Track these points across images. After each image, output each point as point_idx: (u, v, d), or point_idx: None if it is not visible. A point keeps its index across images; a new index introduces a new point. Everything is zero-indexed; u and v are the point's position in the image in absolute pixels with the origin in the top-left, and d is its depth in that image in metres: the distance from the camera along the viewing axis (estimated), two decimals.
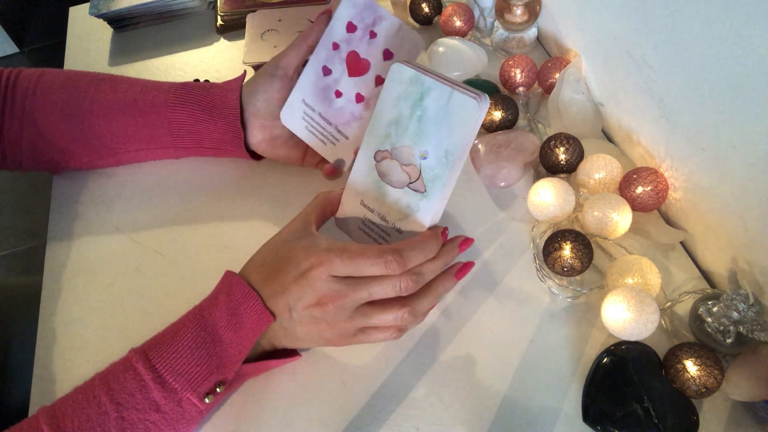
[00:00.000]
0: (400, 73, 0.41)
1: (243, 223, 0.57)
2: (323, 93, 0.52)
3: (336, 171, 0.54)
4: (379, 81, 0.49)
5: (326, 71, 0.51)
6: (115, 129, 0.55)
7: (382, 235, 0.45)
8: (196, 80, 0.58)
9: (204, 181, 0.60)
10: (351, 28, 0.49)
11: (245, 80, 0.55)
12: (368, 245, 0.40)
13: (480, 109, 0.38)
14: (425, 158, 0.41)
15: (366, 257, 0.39)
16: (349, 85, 0.50)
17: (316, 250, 0.40)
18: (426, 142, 0.41)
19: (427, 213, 0.42)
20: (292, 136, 0.55)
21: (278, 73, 0.52)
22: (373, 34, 0.48)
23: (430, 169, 0.41)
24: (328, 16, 0.50)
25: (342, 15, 0.49)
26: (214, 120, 0.54)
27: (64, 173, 0.62)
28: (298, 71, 0.53)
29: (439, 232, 0.42)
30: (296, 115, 0.53)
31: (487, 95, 0.39)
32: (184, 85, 0.55)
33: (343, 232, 0.48)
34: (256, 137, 0.55)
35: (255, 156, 0.58)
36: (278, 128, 0.55)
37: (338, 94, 0.51)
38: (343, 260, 0.39)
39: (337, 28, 0.50)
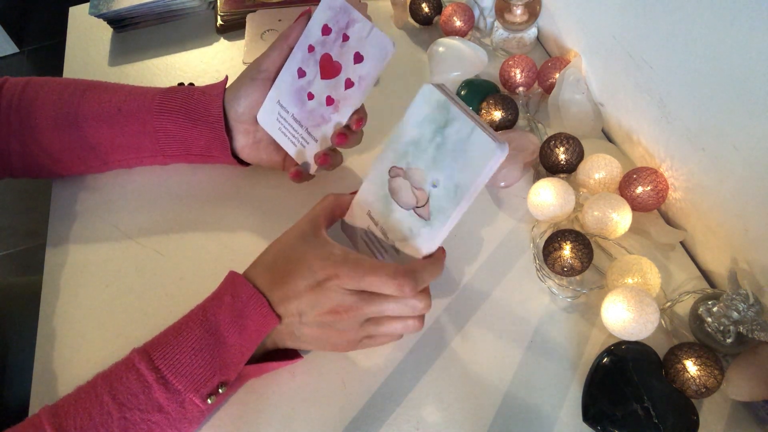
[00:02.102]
0: (429, 95, 0.40)
1: (243, 223, 0.57)
2: (297, 95, 0.52)
3: (301, 174, 0.54)
4: (349, 84, 0.49)
5: (301, 73, 0.51)
6: (103, 139, 0.55)
7: (380, 250, 0.45)
8: (181, 84, 0.58)
9: (203, 181, 0.60)
10: (326, 30, 0.49)
11: (228, 84, 0.55)
12: (382, 262, 0.41)
13: (496, 155, 0.37)
14: (435, 186, 0.40)
15: (379, 277, 0.39)
16: (321, 88, 0.50)
17: (333, 261, 0.40)
18: (439, 171, 0.40)
19: (425, 241, 0.42)
20: (273, 140, 0.55)
21: (260, 77, 0.52)
22: (345, 37, 0.48)
23: (438, 200, 0.40)
24: (307, 17, 0.50)
25: (319, 17, 0.49)
26: (199, 128, 0.54)
27: None
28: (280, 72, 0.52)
29: (442, 253, 0.43)
30: (271, 117, 0.53)
31: (507, 144, 0.38)
32: (167, 92, 0.54)
33: (347, 237, 0.47)
34: (240, 142, 0.55)
35: (243, 162, 0.58)
36: (260, 132, 0.55)
37: (310, 97, 0.51)
38: (356, 278, 0.39)
39: (313, 31, 0.50)
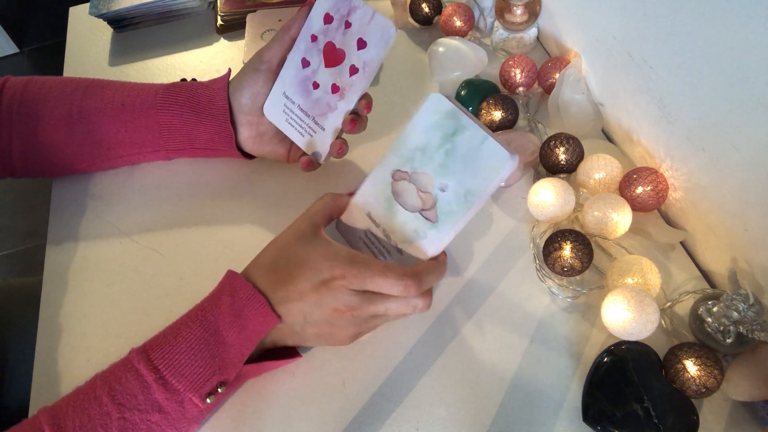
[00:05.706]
0: (437, 104, 0.41)
1: (243, 222, 0.57)
2: (302, 85, 0.52)
3: (312, 163, 0.54)
4: (354, 70, 0.49)
5: (305, 63, 0.51)
6: (106, 135, 0.55)
7: (382, 251, 0.45)
8: (183, 80, 0.58)
9: (204, 180, 0.60)
10: (328, 19, 0.49)
11: (231, 76, 0.55)
12: (389, 264, 0.41)
13: (509, 164, 0.39)
14: (444, 191, 0.41)
15: (387, 279, 0.40)
16: (326, 76, 0.51)
17: (340, 262, 0.40)
18: (448, 177, 0.41)
19: (433, 243, 0.42)
20: (278, 132, 0.55)
21: (262, 68, 0.52)
22: (347, 24, 0.48)
23: (447, 204, 0.41)
24: (309, 8, 0.50)
25: (320, 7, 0.49)
26: (204, 121, 0.54)
27: None
28: (282, 64, 0.53)
29: (444, 256, 0.44)
30: (278, 109, 0.53)
31: (517, 155, 0.39)
32: (171, 87, 0.55)
33: (342, 236, 0.48)
34: (244, 134, 0.55)
35: (247, 155, 0.58)
36: (264, 124, 0.55)
37: (315, 86, 0.51)
38: (364, 279, 0.40)
39: (315, 20, 0.50)
